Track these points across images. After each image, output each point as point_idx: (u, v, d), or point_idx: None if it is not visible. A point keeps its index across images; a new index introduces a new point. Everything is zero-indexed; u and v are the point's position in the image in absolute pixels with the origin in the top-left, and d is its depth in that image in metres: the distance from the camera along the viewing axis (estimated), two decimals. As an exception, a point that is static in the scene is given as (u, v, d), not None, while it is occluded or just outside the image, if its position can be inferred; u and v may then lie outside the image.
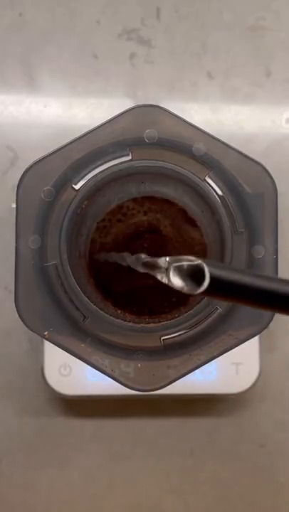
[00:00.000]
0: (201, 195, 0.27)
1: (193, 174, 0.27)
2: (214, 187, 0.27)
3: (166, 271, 0.19)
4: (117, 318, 0.28)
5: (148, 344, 0.28)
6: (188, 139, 0.27)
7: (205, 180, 0.27)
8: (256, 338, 0.37)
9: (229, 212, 0.27)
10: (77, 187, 0.27)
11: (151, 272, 0.21)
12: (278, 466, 0.41)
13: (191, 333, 0.28)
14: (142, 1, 0.40)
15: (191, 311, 0.27)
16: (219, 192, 0.27)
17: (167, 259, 0.20)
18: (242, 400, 0.40)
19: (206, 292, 0.18)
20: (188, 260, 0.19)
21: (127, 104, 0.40)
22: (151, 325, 0.28)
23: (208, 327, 0.28)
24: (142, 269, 0.24)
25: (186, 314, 0.28)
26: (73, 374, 0.37)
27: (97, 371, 0.28)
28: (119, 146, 0.27)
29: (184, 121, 0.27)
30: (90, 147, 0.27)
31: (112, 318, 0.27)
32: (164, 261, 0.20)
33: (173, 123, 0.27)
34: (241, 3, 0.40)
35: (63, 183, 0.27)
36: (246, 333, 0.28)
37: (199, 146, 0.27)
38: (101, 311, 0.27)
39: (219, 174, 0.27)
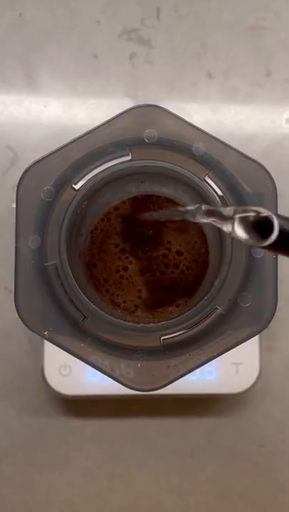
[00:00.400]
0: (201, 195, 0.27)
1: (193, 174, 0.27)
2: (214, 187, 0.27)
3: (231, 220, 0.18)
4: (117, 318, 0.28)
5: (148, 344, 0.28)
6: (188, 138, 0.27)
7: (205, 180, 0.27)
8: (256, 338, 0.37)
9: (229, 212, 0.27)
10: (77, 187, 0.27)
11: (213, 222, 0.20)
12: (278, 466, 0.41)
13: (191, 333, 0.28)
14: (142, 1, 0.40)
15: (191, 311, 0.27)
16: (219, 192, 0.27)
17: (233, 208, 0.19)
18: (242, 400, 0.40)
19: (272, 246, 0.17)
20: (256, 211, 0.18)
21: (127, 104, 0.40)
22: (151, 325, 0.28)
23: (208, 327, 0.28)
24: (203, 219, 0.22)
25: (185, 314, 0.28)
26: (73, 374, 0.37)
27: (97, 371, 0.28)
28: (119, 146, 0.27)
29: (184, 121, 0.27)
30: (90, 147, 0.27)
31: (112, 318, 0.27)
32: (228, 210, 0.19)
33: (173, 123, 0.27)
34: (241, 3, 0.40)
35: (63, 182, 0.27)
36: (246, 333, 0.28)
37: (199, 146, 0.27)
38: (101, 311, 0.27)
39: (219, 174, 0.27)
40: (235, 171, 0.27)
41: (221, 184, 0.27)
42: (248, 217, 0.18)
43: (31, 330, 0.28)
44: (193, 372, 0.28)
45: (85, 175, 0.27)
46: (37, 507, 0.40)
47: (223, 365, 0.37)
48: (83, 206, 0.28)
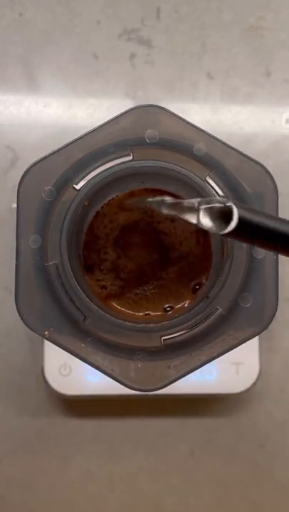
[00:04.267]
0: (202, 196, 0.27)
1: (194, 174, 0.27)
2: (215, 187, 0.27)
3: (197, 211, 0.20)
4: (118, 318, 0.28)
5: (148, 344, 0.28)
6: (189, 139, 0.27)
7: (206, 180, 0.27)
8: (256, 339, 0.37)
9: (230, 213, 0.27)
10: (78, 187, 0.27)
11: (178, 214, 0.21)
12: (278, 466, 0.41)
13: (192, 333, 0.28)
14: (142, 1, 0.40)
15: (192, 312, 0.27)
16: (220, 192, 0.27)
17: (198, 200, 0.20)
18: (242, 399, 0.40)
19: (233, 233, 0.19)
20: (219, 202, 0.19)
21: (127, 104, 0.40)
22: (152, 325, 0.28)
23: (209, 327, 0.28)
24: (167, 211, 0.23)
25: (186, 314, 0.28)
26: (73, 374, 0.37)
27: (97, 371, 0.28)
28: (120, 146, 0.27)
29: (185, 121, 0.27)
30: (91, 147, 0.27)
31: (112, 318, 0.27)
32: (194, 202, 0.20)
33: (174, 123, 0.27)
34: (241, 3, 0.40)
35: (64, 182, 0.27)
36: (246, 334, 0.28)
37: (200, 147, 0.27)
38: (101, 311, 0.27)
39: (220, 174, 0.27)
40: (236, 172, 0.27)
41: (222, 184, 0.27)
42: (212, 207, 0.20)
43: (32, 330, 0.28)
44: (193, 373, 0.28)
45: (86, 175, 0.27)
46: (37, 507, 0.40)
47: (223, 365, 0.37)
48: (84, 206, 0.28)
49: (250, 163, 0.28)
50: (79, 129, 0.28)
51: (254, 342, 0.37)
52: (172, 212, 0.22)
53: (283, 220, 0.20)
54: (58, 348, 0.28)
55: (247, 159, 0.28)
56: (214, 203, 0.20)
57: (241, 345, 0.28)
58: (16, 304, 0.28)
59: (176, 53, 0.40)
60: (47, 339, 0.28)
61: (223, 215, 0.19)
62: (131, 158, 0.27)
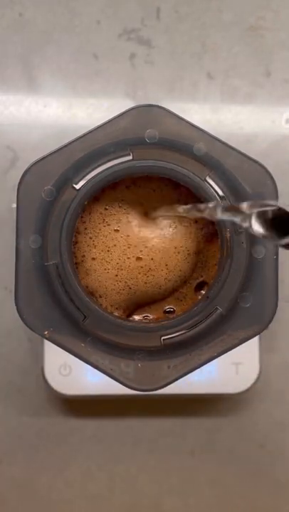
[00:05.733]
0: (202, 196, 0.27)
1: (194, 174, 0.27)
2: (215, 187, 0.27)
3: (249, 216, 0.17)
4: (117, 318, 0.28)
5: (148, 344, 0.28)
6: (189, 139, 0.27)
7: (205, 180, 0.27)
8: (256, 338, 0.37)
9: (230, 212, 0.27)
10: (77, 187, 0.27)
11: (231, 219, 0.19)
12: (278, 466, 0.41)
13: (192, 333, 0.28)
14: (142, 1, 0.40)
15: (192, 311, 0.27)
16: (220, 192, 0.27)
17: (250, 203, 0.17)
18: (242, 399, 0.40)
19: None
20: (274, 206, 0.16)
21: (127, 104, 0.40)
22: (152, 325, 0.28)
23: (209, 327, 0.28)
24: (222, 216, 0.20)
25: (186, 314, 0.28)
26: (73, 374, 0.37)
27: (97, 371, 0.28)
28: (120, 146, 0.27)
29: (185, 121, 0.27)
30: (90, 147, 0.27)
31: (112, 318, 0.27)
32: (246, 205, 0.18)
33: (174, 123, 0.27)
34: (241, 3, 0.40)
35: (64, 182, 0.27)
36: (246, 334, 0.28)
37: (200, 146, 0.27)
38: (101, 311, 0.27)
39: (220, 174, 0.27)
40: (236, 171, 0.27)
41: (221, 184, 0.27)
42: (266, 212, 0.17)
43: (31, 329, 0.28)
44: (193, 372, 0.28)
45: (85, 175, 0.27)
46: (37, 507, 0.40)
47: (223, 365, 0.37)
48: (84, 206, 0.28)
49: (250, 163, 0.28)
50: (79, 129, 0.28)
51: (254, 342, 0.37)
52: (226, 217, 0.20)
53: None
54: (58, 348, 0.28)
55: (247, 159, 0.28)
56: (269, 206, 0.17)
57: (241, 345, 0.28)
58: (16, 304, 0.28)
59: (176, 53, 0.40)
60: (47, 339, 0.28)
61: (280, 222, 0.16)
62: (131, 157, 0.27)
